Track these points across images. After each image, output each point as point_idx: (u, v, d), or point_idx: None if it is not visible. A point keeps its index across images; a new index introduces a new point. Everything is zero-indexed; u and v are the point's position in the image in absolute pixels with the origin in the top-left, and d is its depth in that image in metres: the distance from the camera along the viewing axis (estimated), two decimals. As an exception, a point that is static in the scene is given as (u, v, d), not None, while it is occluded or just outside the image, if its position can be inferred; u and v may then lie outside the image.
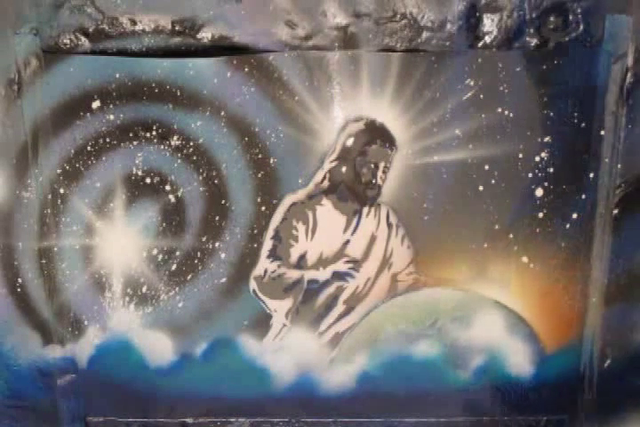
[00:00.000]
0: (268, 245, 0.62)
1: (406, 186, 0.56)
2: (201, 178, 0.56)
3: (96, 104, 0.55)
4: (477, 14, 0.53)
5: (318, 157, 0.57)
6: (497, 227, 0.58)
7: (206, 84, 0.54)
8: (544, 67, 0.54)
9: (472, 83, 0.54)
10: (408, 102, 0.54)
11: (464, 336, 0.64)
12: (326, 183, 0.60)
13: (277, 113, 0.55)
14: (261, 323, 0.61)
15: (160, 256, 0.58)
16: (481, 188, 0.56)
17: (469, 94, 0.54)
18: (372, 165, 0.58)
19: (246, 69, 0.54)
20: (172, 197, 0.57)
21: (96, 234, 0.57)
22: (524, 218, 0.58)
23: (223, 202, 0.57)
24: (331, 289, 0.63)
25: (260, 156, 0.57)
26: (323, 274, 0.63)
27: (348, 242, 0.64)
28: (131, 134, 0.55)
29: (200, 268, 0.60)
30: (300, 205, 0.61)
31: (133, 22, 0.54)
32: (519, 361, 0.65)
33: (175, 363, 0.61)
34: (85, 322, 0.66)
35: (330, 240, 0.61)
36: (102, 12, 0.54)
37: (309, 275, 0.62)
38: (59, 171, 0.56)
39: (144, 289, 0.60)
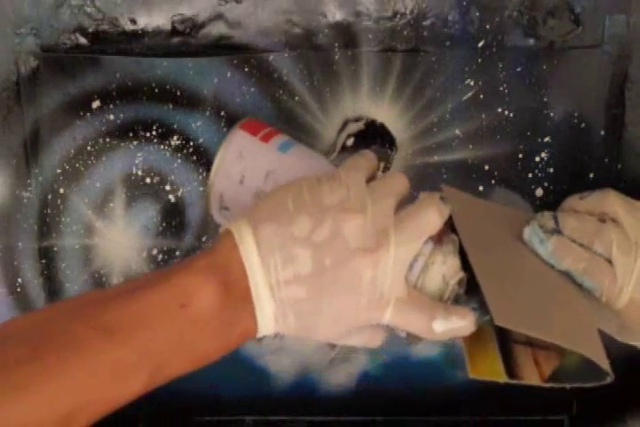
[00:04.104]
0: (267, 245, 0.62)
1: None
2: (201, 178, 0.56)
3: (96, 104, 0.55)
4: (477, 14, 0.53)
5: (318, 157, 0.57)
6: (497, 227, 0.58)
7: (206, 84, 0.54)
8: (544, 67, 0.54)
9: (472, 83, 0.54)
10: (408, 102, 0.54)
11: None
12: (326, 183, 0.60)
13: (277, 113, 0.55)
14: (261, 323, 0.61)
15: (160, 256, 0.58)
16: (481, 188, 0.56)
17: (469, 94, 0.54)
18: (372, 165, 0.57)
19: (246, 69, 0.54)
20: (171, 197, 0.57)
21: (96, 234, 0.57)
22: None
23: (223, 202, 0.57)
24: (331, 289, 0.63)
25: (259, 156, 0.57)
26: (323, 274, 0.62)
27: (347, 242, 0.64)
28: (131, 134, 0.55)
29: (200, 268, 0.60)
30: (300, 204, 0.61)
31: (133, 22, 0.54)
32: (519, 361, 0.65)
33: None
34: (85, 322, 0.65)
35: (330, 240, 0.61)
36: (102, 12, 0.54)
37: (309, 275, 0.62)
38: (59, 171, 0.56)
39: (144, 289, 0.60)
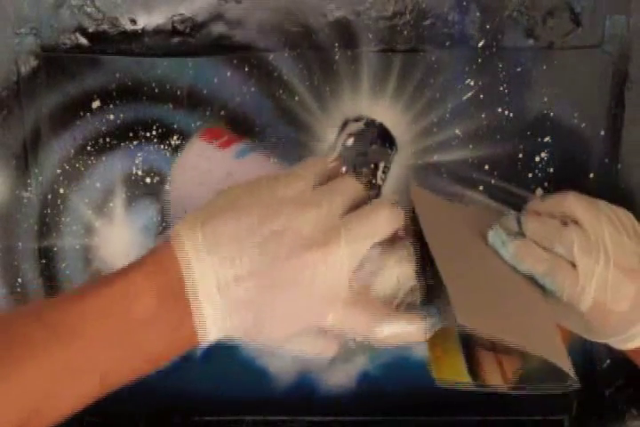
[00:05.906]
0: (267, 245, 0.62)
1: (406, 186, 0.56)
2: (201, 178, 0.56)
3: (96, 104, 0.55)
4: (477, 14, 0.53)
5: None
6: (497, 227, 0.58)
7: (206, 83, 0.54)
8: (544, 67, 0.54)
9: (472, 83, 0.54)
10: (408, 102, 0.54)
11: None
12: (326, 183, 0.60)
13: (277, 113, 0.55)
14: (261, 323, 0.61)
15: (160, 256, 0.58)
16: (481, 188, 0.56)
17: (469, 94, 0.54)
18: (372, 165, 0.57)
19: (246, 69, 0.54)
20: (172, 197, 0.57)
21: (96, 234, 0.57)
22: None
23: (223, 202, 0.57)
24: (331, 289, 0.63)
25: (259, 156, 0.57)
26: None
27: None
28: (131, 134, 0.55)
29: (200, 268, 0.60)
30: (300, 205, 0.61)
31: (133, 22, 0.54)
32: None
33: (175, 363, 0.60)
34: (85, 322, 0.65)
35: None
36: (102, 12, 0.54)
37: (309, 275, 0.62)
38: (59, 171, 0.56)
39: (144, 289, 0.60)
